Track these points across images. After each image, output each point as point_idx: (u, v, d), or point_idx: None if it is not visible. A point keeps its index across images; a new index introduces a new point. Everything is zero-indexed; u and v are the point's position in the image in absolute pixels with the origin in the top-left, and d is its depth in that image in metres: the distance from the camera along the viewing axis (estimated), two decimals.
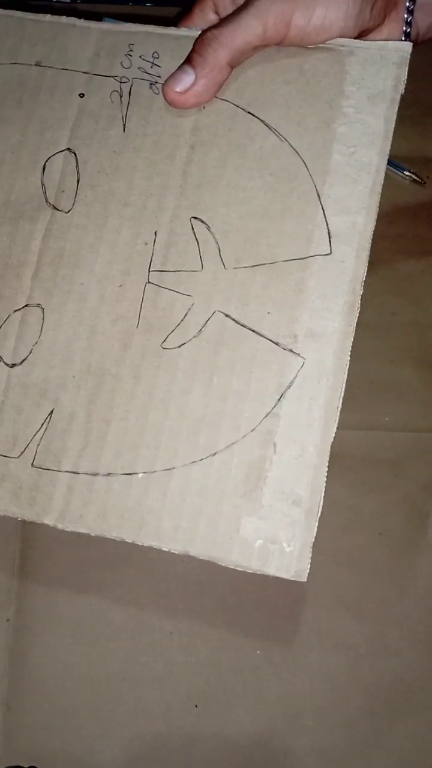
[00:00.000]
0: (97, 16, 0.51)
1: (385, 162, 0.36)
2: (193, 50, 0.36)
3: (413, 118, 0.54)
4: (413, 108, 0.47)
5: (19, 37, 0.39)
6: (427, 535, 0.45)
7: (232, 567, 0.34)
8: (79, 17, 0.51)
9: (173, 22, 0.40)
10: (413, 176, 0.55)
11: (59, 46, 0.39)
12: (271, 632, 0.43)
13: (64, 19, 0.39)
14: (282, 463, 0.34)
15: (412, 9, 0.37)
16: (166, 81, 0.37)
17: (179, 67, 0.36)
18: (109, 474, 0.35)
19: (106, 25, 0.39)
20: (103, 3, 0.52)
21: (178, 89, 0.36)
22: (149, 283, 0.36)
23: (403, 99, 0.37)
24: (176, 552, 0.34)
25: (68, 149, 0.37)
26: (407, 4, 0.37)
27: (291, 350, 0.35)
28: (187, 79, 0.36)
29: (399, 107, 0.37)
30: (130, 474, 0.34)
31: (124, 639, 0.42)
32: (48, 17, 0.39)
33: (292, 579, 0.34)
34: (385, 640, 0.44)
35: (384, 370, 0.49)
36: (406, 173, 0.55)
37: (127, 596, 0.43)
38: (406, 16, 0.37)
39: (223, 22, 0.36)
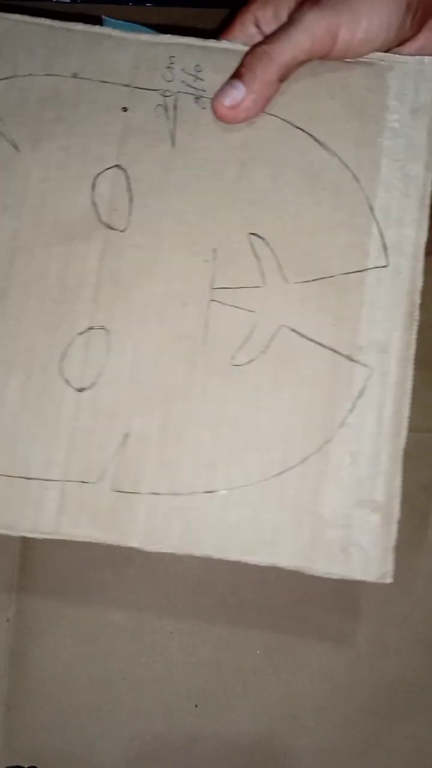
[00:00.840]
0: (96, 17, 0.51)
1: (431, 175, 0.36)
2: (242, 65, 0.36)
3: None
4: None
5: (52, 47, 0.37)
6: (427, 535, 0.45)
7: (318, 575, 0.34)
8: (79, 18, 0.51)
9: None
10: None
11: (96, 57, 0.37)
12: (272, 632, 0.43)
13: (98, 29, 0.38)
14: (357, 471, 0.35)
15: None
16: (215, 96, 0.36)
17: (228, 82, 0.36)
18: (190, 493, 0.35)
19: (144, 37, 0.38)
20: (103, 3, 0.51)
21: (228, 104, 0.36)
22: (213, 300, 0.36)
23: None
24: (262, 564, 0.35)
25: (117, 166, 0.36)
26: None
27: (357, 361, 0.35)
28: (237, 94, 0.36)
29: None
30: (211, 492, 0.35)
31: (124, 639, 0.43)
32: (80, 26, 0.38)
33: (378, 581, 0.34)
34: (385, 640, 0.44)
35: None
36: None
37: (128, 596, 0.43)
38: None
39: (272, 37, 0.36)
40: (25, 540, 0.43)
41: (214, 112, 0.36)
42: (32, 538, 0.43)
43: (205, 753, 0.41)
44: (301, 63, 0.36)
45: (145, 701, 0.42)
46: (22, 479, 0.34)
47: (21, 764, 0.40)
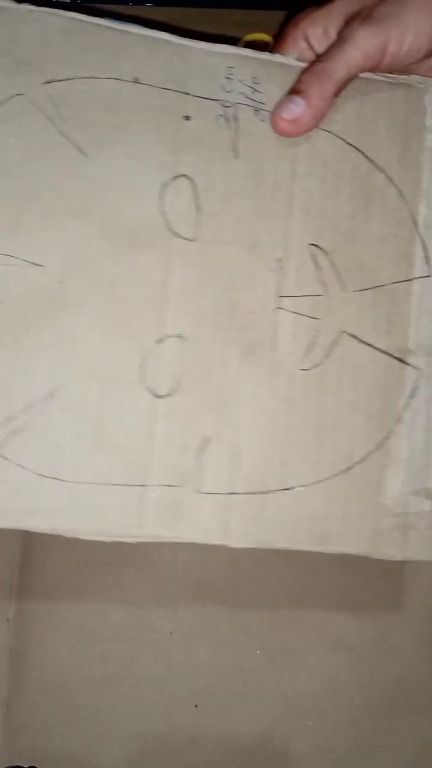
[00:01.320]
0: (96, 17, 0.51)
1: None
2: (300, 82, 0.38)
3: None
4: None
5: (111, 50, 0.37)
6: None
7: (382, 558, 0.38)
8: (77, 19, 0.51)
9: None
10: None
11: (156, 63, 0.37)
12: (272, 632, 0.43)
13: (155, 33, 0.37)
14: (413, 463, 0.38)
15: None
16: (275, 110, 0.37)
17: (288, 98, 0.37)
18: (267, 491, 0.37)
19: (201, 45, 0.38)
20: (103, 3, 0.51)
21: (288, 118, 0.37)
22: (279, 308, 0.37)
23: None
24: (334, 553, 0.37)
25: (184, 175, 0.37)
26: None
27: (408, 363, 0.38)
28: (297, 108, 0.37)
29: None
30: (287, 489, 0.37)
31: (124, 639, 0.43)
32: (137, 29, 0.37)
33: None
34: (385, 640, 0.44)
35: None
36: None
37: (128, 596, 0.43)
38: None
39: (327, 55, 0.38)
40: (24, 541, 0.43)
41: (274, 125, 0.37)
42: (33, 539, 0.43)
43: (205, 753, 0.41)
44: (353, 78, 0.38)
45: (145, 701, 0.42)
46: (109, 486, 0.35)
47: (21, 764, 0.40)
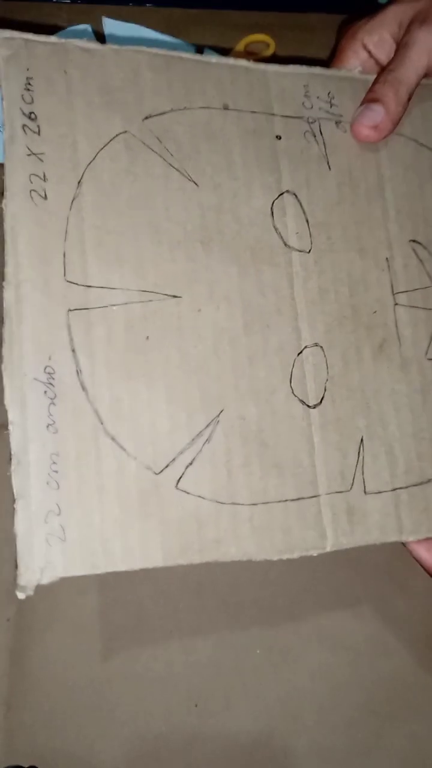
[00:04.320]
0: (96, 16, 0.51)
1: None
2: (374, 90, 0.40)
3: None
4: None
5: (200, 80, 0.38)
6: None
7: None
8: (78, 16, 0.51)
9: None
10: None
11: (240, 89, 0.39)
12: (271, 632, 0.43)
13: (231, 61, 0.39)
14: None
15: None
16: (357, 119, 0.40)
17: (366, 106, 0.40)
18: (428, 480, 0.38)
19: (276, 67, 0.40)
20: (103, 3, 0.52)
21: (370, 124, 0.40)
22: (397, 305, 0.39)
23: None
24: None
25: (288, 191, 0.39)
26: None
27: None
28: (377, 116, 0.39)
29: None
30: None
31: (123, 639, 0.43)
32: (214, 59, 0.39)
33: None
34: (384, 640, 0.44)
35: None
36: None
37: (127, 596, 0.43)
38: None
39: (395, 63, 0.40)
40: None
41: (357, 133, 0.40)
42: None
43: (205, 752, 0.41)
44: (422, 78, 0.41)
45: (145, 701, 0.42)
46: (286, 502, 0.36)
47: (21, 764, 0.40)
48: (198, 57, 0.38)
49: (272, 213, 0.38)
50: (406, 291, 0.40)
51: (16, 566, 0.32)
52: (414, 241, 0.40)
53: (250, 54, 0.52)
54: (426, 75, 0.41)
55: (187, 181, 0.37)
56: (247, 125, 0.38)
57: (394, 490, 0.37)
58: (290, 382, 0.37)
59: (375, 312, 0.39)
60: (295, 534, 0.35)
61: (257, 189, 0.38)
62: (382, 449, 0.38)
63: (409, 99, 0.40)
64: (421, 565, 0.39)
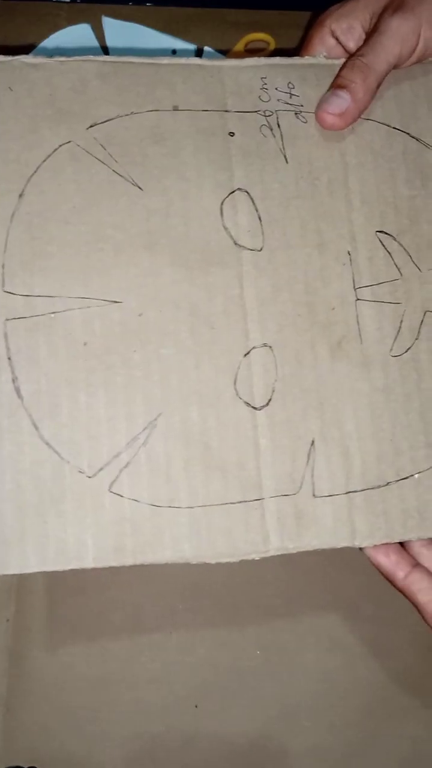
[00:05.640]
0: (96, 16, 0.51)
1: None
2: (342, 76, 0.39)
3: None
4: None
5: (150, 83, 0.38)
6: None
7: None
8: (78, 16, 0.50)
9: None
10: None
11: (192, 88, 0.38)
12: (270, 632, 0.44)
13: (183, 60, 0.39)
14: None
15: None
16: (321, 106, 0.38)
17: (332, 92, 0.38)
18: (386, 483, 0.36)
19: (231, 62, 0.39)
20: (103, 3, 0.51)
21: (335, 112, 0.38)
22: (359, 300, 0.38)
23: None
24: None
25: (239, 189, 0.38)
26: None
27: None
28: (343, 103, 0.38)
29: None
30: (405, 478, 0.37)
31: (123, 639, 0.43)
32: (166, 60, 0.38)
33: None
34: (382, 641, 0.44)
35: None
36: None
37: (126, 596, 0.43)
38: None
39: (365, 48, 0.39)
40: None
41: (322, 120, 0.38)
42: None
43: (204, 753, 0.41)
44: (393, 67, 0.39)
45: (144, 701, 0.42)
46: (226, 505, 0.35)
47: (21, 764, 0.40)
48: (148, 60, 0.38)
49: (222, 212, 0.37)
50: (371, 285, 0.38)
51: None
52: (382, 231, 0.38)
53: (250, 53, 0.52)
54: (396, 65, 0.39)
55: (132, 186, 0.37)
56: (198, 125, 0.38)
57: (347, 493, 0.36)
58: (235, 383, 0.36)
59: (333, 309, 0.37)
60: (237, 537, 0.35)
61: (207, 189, 0.37)
62: (336, 451, 0.36)
63: (378, 87, 0.39)
64: (380, 572, 0.37)
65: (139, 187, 0.37)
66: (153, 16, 0.52)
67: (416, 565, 0.37)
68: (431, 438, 0.37)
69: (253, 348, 0.37)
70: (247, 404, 0.36)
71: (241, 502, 0.35)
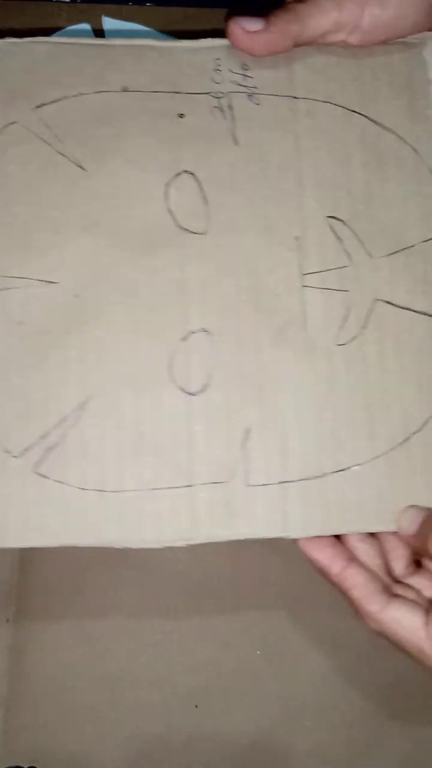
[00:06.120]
0: (96, 15, 0.51)
1: None
2: (273, 12, 0.37)
3: None
4: None
5: (100, 65, 0.38)
6: None
7: None
8: (78, 16, 0.50)
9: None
10: None
11: (143, 69, 0.38)
12: (271, 632, 0.43)
13: (138, 41, 0.38)
14: None
15: None
16: (235, 17, 0.37)
17: (253, 17, 0.37)
18: (323, 475, 0.35)
19: (185, 43, 0.38)
20: (103, 3, 0.51)
21: (245, 27, 0.37)
22: (305, 286, 0.37)
23: None
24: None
25: (186, 171, 0.37)
26: None
27: None
28: (256, 26, 0.37)
29: None
30: (343, 470, 0.35)
31: (123, 639, 0.43)
32: (120, 41, 0.38)
33: None
34: (384, 641, 0.44)
35: None
36: None
37: (127, 597, 0.43)
38: None
39: (307, 2, 0.37)
40: None
41: (230, 30, 0.37)
42: None
43: (205, 753, 0.41)
44: (327, 33, 0.37)
45: (145, 701, 0.42)
46: (155, 491, 0.34)
47: (21, 764, 0.40)
48: (100, 41, 0.38)
49: (167, 194, 0.37)
50: (318, 272, 0.37)
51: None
52: (333, 217, 0.37)
53: None
54: (330, 31, 0.37)
55: (75, 167, 0.37)
56: (147, 106, 0.37)
57: (281, 483, 0.35)
58: (171, 368, 0.35)
59: (278, 295, 0.36)
60: (164, 523, 0.34)
61: (153, 171, 0.37)
62: (273, 440, 0.35)
63: (298, 40, 0.37)
64: (314, 566, 0.36)
65: (83, 168, 0.37)
66: (153, 16, 0.52)
67: (352, 559, 0.35)
68: (374, 430, 0.36)
69: (192, 333, 0.36)
70: (181, 390, 0.35)
71: (170, 488, 0.34)
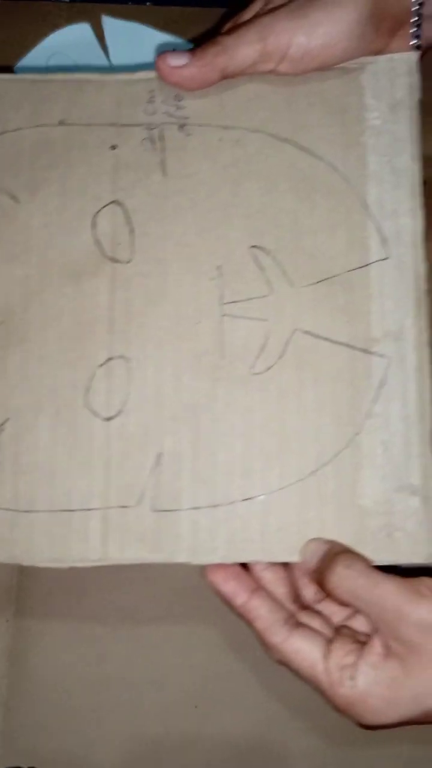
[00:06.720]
0: (96, 15, 0.51)
1: (420, 164, 0.38)
2: (201, 47, 0.38)
3: None
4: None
5: (37, 100, 0.39)
6: None
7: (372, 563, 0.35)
8: (77, 16, 0.51)
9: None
10: None
11: (79, 102, 0.39)
12: None
13: (77, 75, 0.39)
14: (391, 458, 0.36)
15: (420, 23, 0.38)
16: (162, 54, 0.38)
17: (179, 51, 0.38)
18: (230, 503, 0.36)
19: (121, 76, 0.39)
20: (103, 3, 0.51)
21: (170, 63, 0.37)
22: (224, 315, 0.37)
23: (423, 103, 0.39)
24: None
25: (114, 201, 0.38)
26: (413, 19, 0.38)
27: (374, 353, 0.36)
28: (181, 61, 0.37)
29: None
30: (250, 498, 0.36)
31: (123, 639, 0.43)
32: (59, 76, 0.39)
33: (427, 563, 0.35)
34: None
35: None
36: None
37: (126, 598, 0.43)
38: (413, 30, 0.38)
39: (231, 31, 0.38)
40: None
41: (157, 66, 0.38)
42: None
43: (204, 754, 0.41)
44: (255, 64, 0.37)
45: (144, 702, 0.42)
46: (65, 512, 0.36)
47: (21, 764, 0.40)
48: (39, 76, 0.40)
49: (94, 224, 0.38)
50: (238, 301, 0.37)
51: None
52: (257, 246, 0.38)
53: None
54: (253, 64, 0.37)
55: (8, 199, 0.38)
56: (82, 138, 0.39)
57: (188, 510, 0.36)
58: (87, 393, 0.37)
59: (198, 323, 0.37)
60: (69, 545, 0.36)
61: (83, 201, 0.38)
62: (182, 466, 0.36)
63: (226, 73, 0.37)
64: (218, 595, 0.36)
65: (16, 200, 0.38)
66: (153, 15, 0.52)
67: (256, 590, 0.35)
68: (285, 460, 0.36)
69: (110, 359, 0.37)
70: (95, 414, 0.36)
71: (79, 510, 0.36)
